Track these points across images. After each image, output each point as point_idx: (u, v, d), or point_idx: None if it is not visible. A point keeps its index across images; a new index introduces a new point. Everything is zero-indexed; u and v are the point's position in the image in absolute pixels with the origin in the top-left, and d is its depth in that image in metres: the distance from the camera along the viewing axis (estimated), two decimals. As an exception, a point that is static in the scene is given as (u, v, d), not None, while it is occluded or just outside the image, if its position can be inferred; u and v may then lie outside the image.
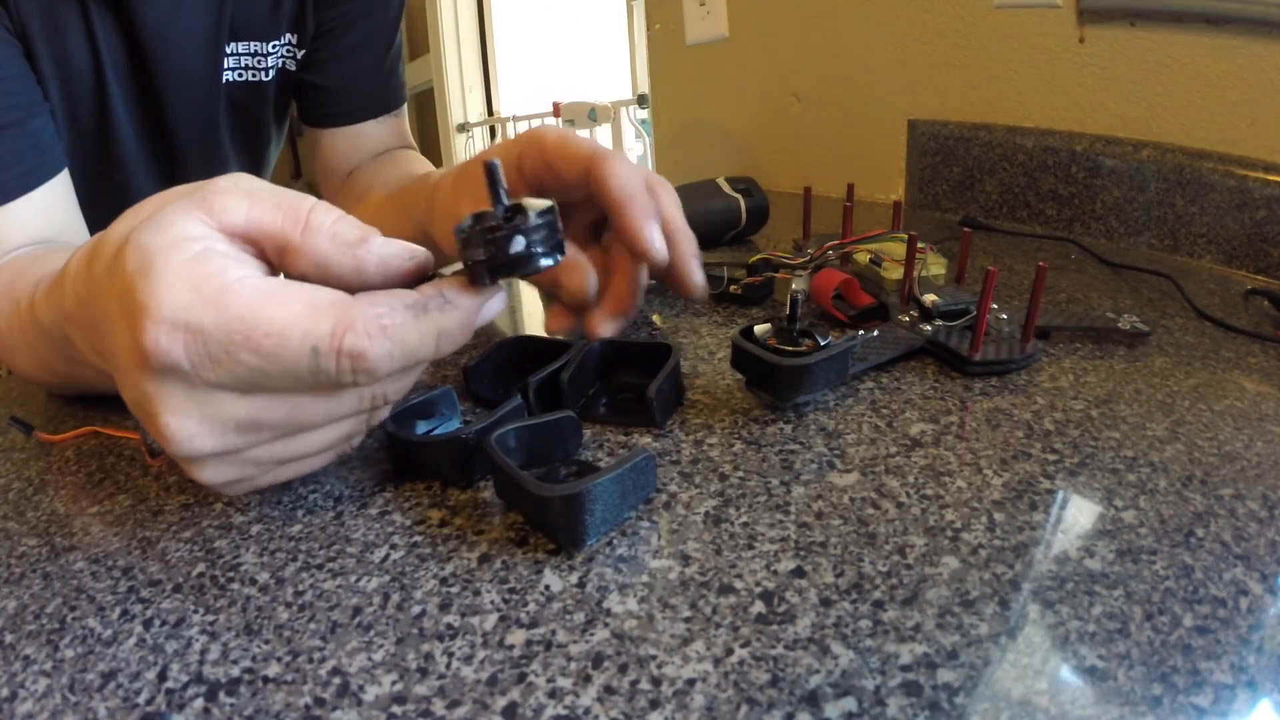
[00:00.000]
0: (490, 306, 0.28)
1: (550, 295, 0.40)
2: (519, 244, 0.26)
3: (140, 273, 0.24)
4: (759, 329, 0.39)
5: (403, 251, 0.28)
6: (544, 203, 0.27)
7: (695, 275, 0.38)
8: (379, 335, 0.25)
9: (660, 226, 0.37)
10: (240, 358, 0.24)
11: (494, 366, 0.41)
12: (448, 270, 0.28)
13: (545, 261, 0.27)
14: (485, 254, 0.26)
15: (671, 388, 0.38)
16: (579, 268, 0.37)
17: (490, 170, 0.26)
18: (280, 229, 0.26)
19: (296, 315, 0.24)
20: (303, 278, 0.27)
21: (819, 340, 0.38)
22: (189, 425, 0.25)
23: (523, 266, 0.27)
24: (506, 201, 0.26)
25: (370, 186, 0.65)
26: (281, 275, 0.27)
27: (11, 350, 0.42)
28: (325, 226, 0.27)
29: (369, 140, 0.70)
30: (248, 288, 0.24)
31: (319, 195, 0.31)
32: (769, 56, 0.98)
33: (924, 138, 0.82)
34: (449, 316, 0.27)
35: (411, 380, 0.29)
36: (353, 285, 0.27)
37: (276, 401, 0.26)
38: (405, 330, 0.26)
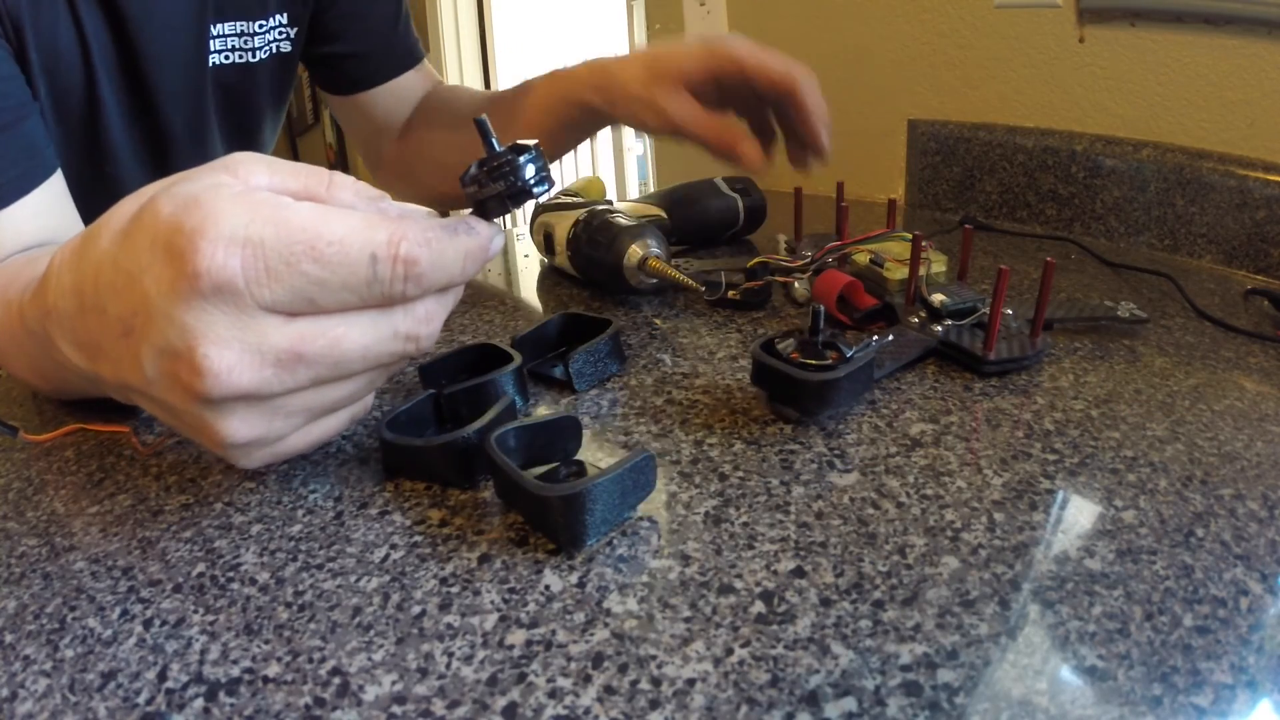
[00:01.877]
0: (496, 240, 0.31)
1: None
2: (530, 170, 0.31)
3: (185, 210, 0.25)
4: (780, 343, 0.38)
5: (417, 208, 0.30)
6: (532, 141, 0.31)
7: (827, 146, 0.54)
8: (425, 246, 0.27)
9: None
10: (303, 268, 0.25)
11: (451, 368, 0.41)
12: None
13: (546, 186, 0.32)
14: (504, 185, 0.31)
15: (597, 359, 0.42)
16: (754, 143, 0.53)
17: (481, 125, 0.31)
18: (305, 186, 0.28)
19: (355, 227, 0.26)
20: None
21: (844, 351, 0.37)
22: (229, 355, 0.25)
23: (534, 190, 0.31)
24: (499, 147, 0.31)
25: (440, 113, 0.71)
26: None
27: (6, 355, 0.42)
28: (348, 184, 0.29)
29: (411, 91, 0.73)
30: (304, 207, 0.26)
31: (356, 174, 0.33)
32: (769, 56, 0.97)
33: (924, 137, 0.82)
34: (474, 239, 0.29)
35: (439, 322, 0.30)
36: None
37: (321, 327, 0.26)
38: (445, 245, 0.28)
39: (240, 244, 0.24)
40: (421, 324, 0.29)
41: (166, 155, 0.64)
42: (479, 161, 0.31)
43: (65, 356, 0.30)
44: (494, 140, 0.31)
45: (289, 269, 0.25)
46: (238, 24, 0.61)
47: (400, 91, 0.73)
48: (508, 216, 0.33)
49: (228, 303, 0.25)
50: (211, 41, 0.61)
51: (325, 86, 0.73)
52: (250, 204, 0.25)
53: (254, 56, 0.64)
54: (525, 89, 0.63)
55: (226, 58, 0.62)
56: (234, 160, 0.27)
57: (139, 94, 0.59)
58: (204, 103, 0.63)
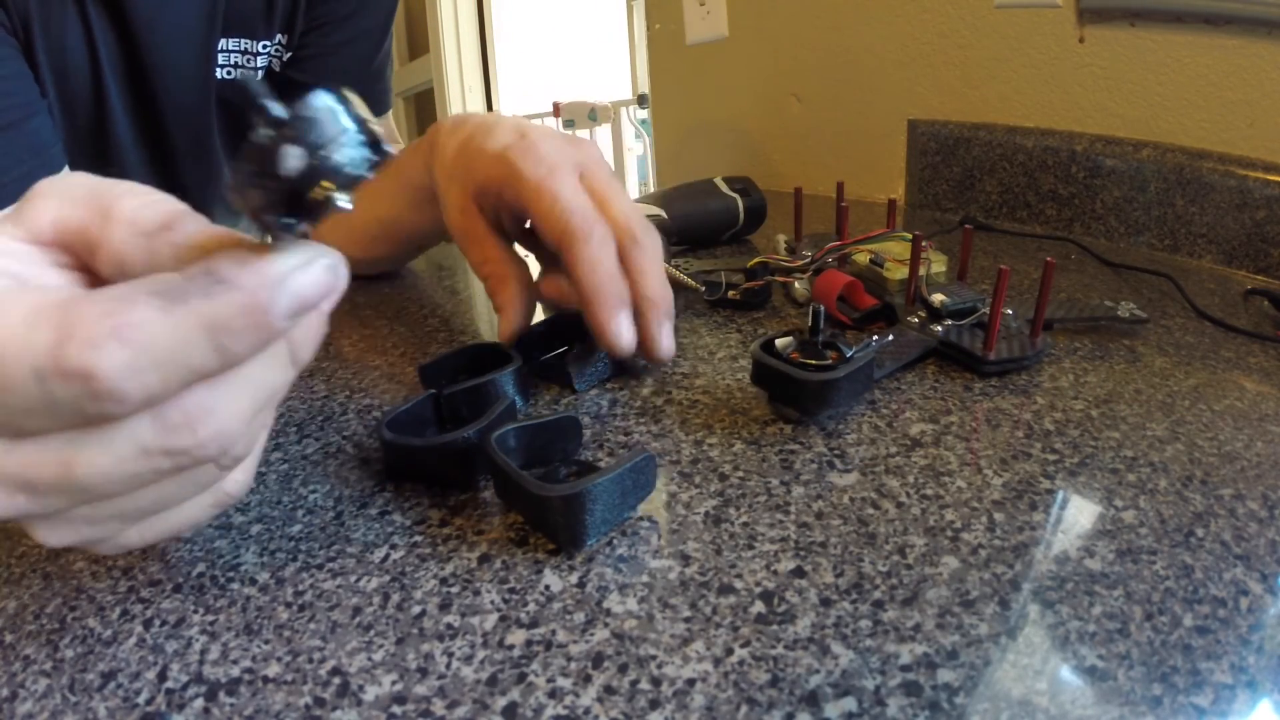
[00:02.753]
0: (303, 277, 0.20)
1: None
2: (293, 157, 0.18)
3: None
4: (780, 342, 0.38)
5: (219, 234, 0.22)
6: (327, 97, 0.18)
7: (659, 344, 0.39)
8: (109, 341, 0.18)
9: (628, 310, 0.38)
10: None
11: (451, 368, 0.41)
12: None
13: (351, 172, 0.19)
14: (262, 190, 0.18)
15: (597, 358, 0.42)
16: (516, 298, 0.42)
17: (238, 86, 0.21)
18: (83, 224, 0.22)
19: (12, 330, 0.18)
20: (107, 280, 0.22)
21: (844, 351, 0.37)
22: None
23: (315, 186, 0.18)
24: (277, 113, 0.18)
25: None
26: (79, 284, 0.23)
27: None
28: (125, 214, 0.22)
29: None
30: None
31: None
32: (769, 56, 0.98)
33: (924, 138, 0.82)
34: (221, 301, 0.19)
35: (227, 415, 0.21)
36: None
37: (44, 455, 0.20)
38: (151, 329, 0.18)
39: None
40: (181, 431, 0.20)
41: (171, 163, 0.64)
42: (244, 144, 0.18)
43: None
44: (267, 103, 0.18)
45: None
46: (242, 41, 0.62)
47: None
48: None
49: None
50: (217, 55, 0.61)
51: None
52: None
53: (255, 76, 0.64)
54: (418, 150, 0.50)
55: (229, 73, 0.63)
56: (31, 195, 0.23)
57: (145, 101, 0.60)
58: (207, 116, 0.63)
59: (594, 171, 0.41)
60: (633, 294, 0.39)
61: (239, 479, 0.25)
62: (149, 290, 0.19)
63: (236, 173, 0.19)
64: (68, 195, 0.23)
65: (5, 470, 0.20)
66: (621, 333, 0.37)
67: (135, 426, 0.20)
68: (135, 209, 0.22)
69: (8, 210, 0.23)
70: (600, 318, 0.37)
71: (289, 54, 0.65)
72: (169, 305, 0.19)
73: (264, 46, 0.63)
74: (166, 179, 0.65)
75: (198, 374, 0.20)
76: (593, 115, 2.03)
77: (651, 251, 0.40)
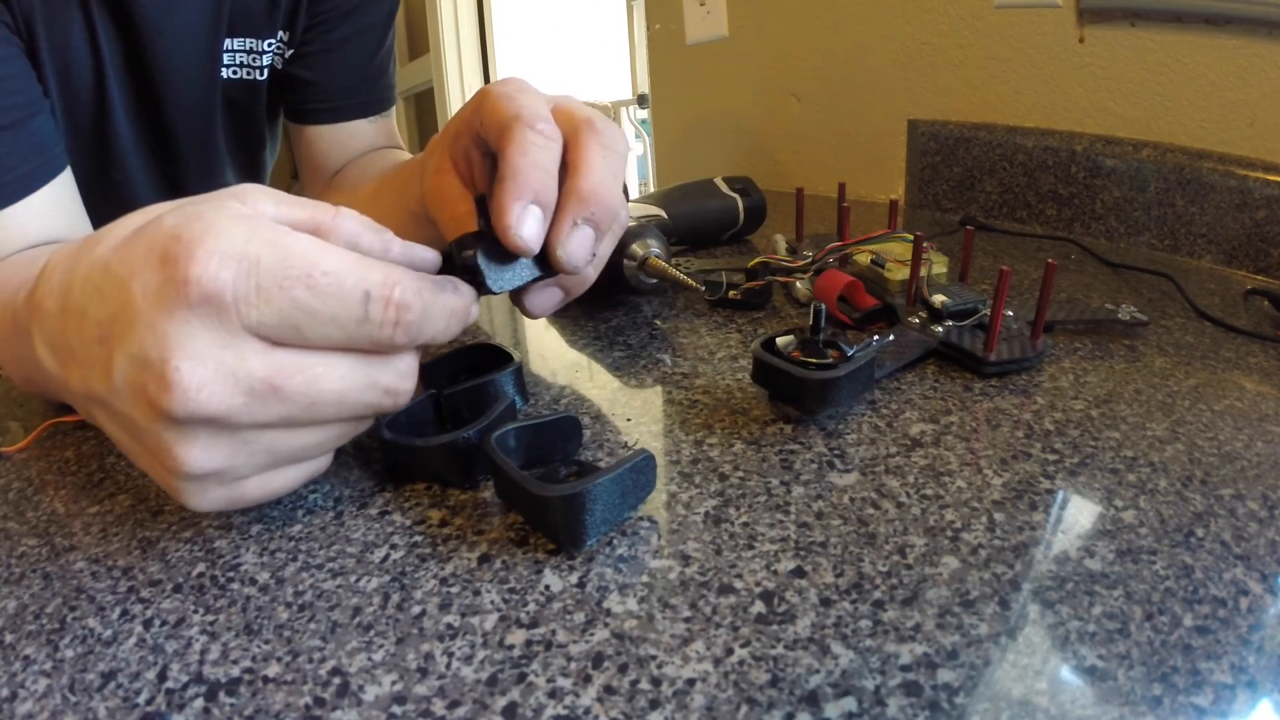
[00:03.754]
0: (474, 309, 0.31)
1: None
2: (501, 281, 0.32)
3: (187, 222, 0.24)
4: (781, 340, 0.38)
5: (422, 249, 0.31)
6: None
7: (563, 244, 0.33)
8: (418, 295, 0.27)
9: (542, 206, 0.32)
10: (294, 293, 0.24)
11: (451, 368, 0.41)
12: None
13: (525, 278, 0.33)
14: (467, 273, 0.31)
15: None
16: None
17: (479, 202, 0.32)
18: (311, 218, 0.28)
19: (352, 262, 0.26)
20: None
21: (845, 350, 0.37)
22: (202, 373, 0.24)
23: (492, 290, 0.32)
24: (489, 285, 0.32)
25: (360, 181, 0.64)
26: None
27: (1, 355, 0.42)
28: (353, 218, 0.29)
29: (357, 140, 0.70)
30: (305, 237, 0.25)
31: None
32: (769, 56, 0.98)
33: (924, 138, 0.82)
34: (460, 299, 0.29)
35: (412, 381, 0.30)
36: None
37: (301, 362, 0.26)
38: (434, 299, 0.28)
39: (236, 259, 0.24)
40: (400, 379, 0.29)
41: (174, 165, 0.64)
42: (476, 233, 0.32)
43: (39, 358, 0.28)
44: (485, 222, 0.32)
45: (280, 292, 0.24)
46: (248, 40, 0.62)
47: (344, 137, 0.69)
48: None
49: (212, 316, 0.24)
50: (223, 55, 0.61)
51: (282, 107, 0.71)
52: (252, 225, 0.25)
53: (260, 75, 0.64)
54: (417, 161, 0.49)
55: (234, 73, 0.63)
56: (243, 189, 0.27)
57: (149, 102, 0.60)
58: (212, 116, 0.63)
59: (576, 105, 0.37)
60: (565, 186, 0.33)
61: (328, 460, 0.31)
62: (431, 279, 0.28)
63: (472, 242, 0.32)
64: (280, 197, 0.28)
65: (252, 369, 0.25)
66: (517, 222, 0.31)
67: (378, 367, 0.28)
68: (359, 217, 0.29)
69: (210, 194, 0.27)
70: (502, 201, 0.31)
71: (291, 51, 0.65)
72: (440, 290, 0.28)
73: (269, 45, 0.63)
74: (168, 180, 0.65)
75: (432, 338, 0.29)
76: (593, 115, 2.03)
77: (608, 143, 0.34)
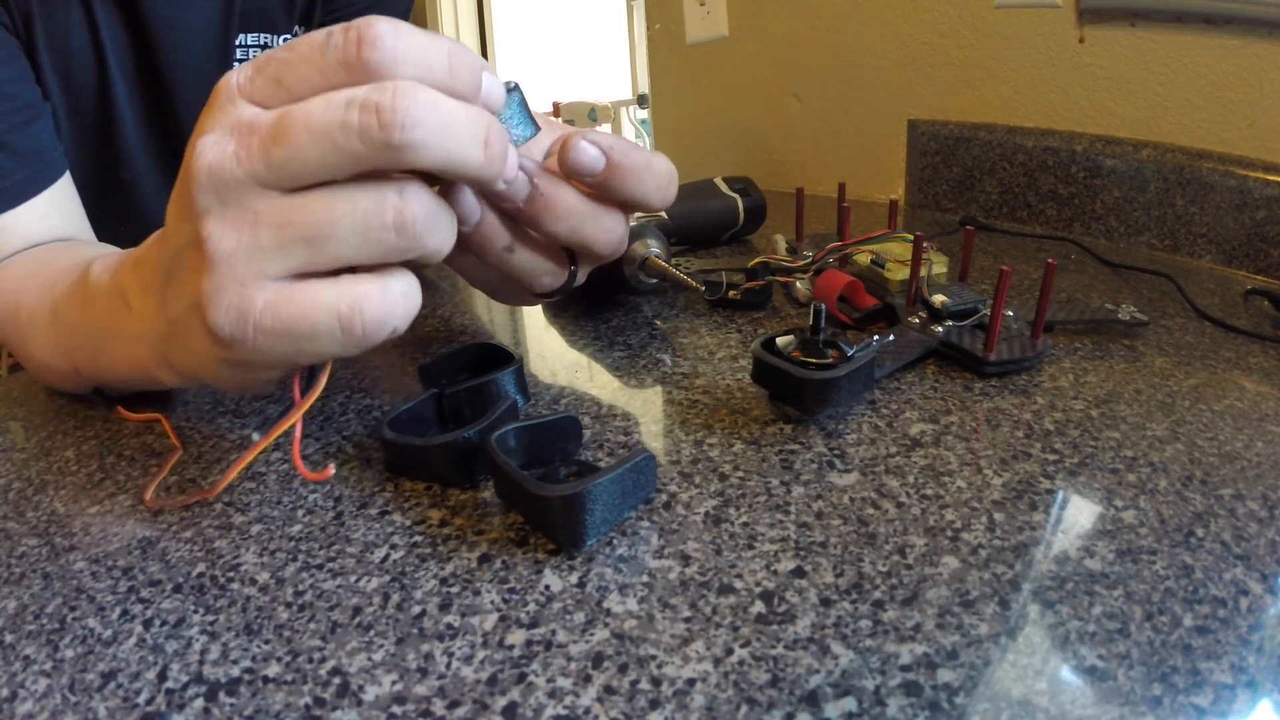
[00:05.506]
0: (496, 82, 0.29)
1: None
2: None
3: None
4: (781, 340, 0.38)
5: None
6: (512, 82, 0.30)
7: (573, 152, 0.32)
8: (388, 22, 0.26)
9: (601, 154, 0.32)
10: (276, 55, 0.27)
11: (451, 368, 0.41)
12: None
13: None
14: None
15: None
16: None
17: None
18: None
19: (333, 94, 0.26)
20: None
21: (845, 350, 0.37)
22: (209, 138, 0.26)
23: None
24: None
25: None
26: None
27: (33, 335, 0.41)
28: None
29: None
30: None
31: None
32: (769, 56, 0.98)
33: (924, 138, 0.82)
34: (459, 45, 0.28)
35: (410, 99, 0.25)
36: None
37: (307, 199, 0.26)
38: (420, 38, 0.26)
39: (249, 64, 0.27)
40: (376, 92, 0.25)
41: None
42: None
43: (130, 308, 0.33)
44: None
45: (267, 60, 0.27)
46: (262, 36, 0.61)
47: None
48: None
49: (224, 100, 0.27)
50: (235, 51, 0.61)
51: None
52: None
53: None
54: None
55: None
56: None
57: (157, 101, 0.59)
58: None
59: None
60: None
61: (371, 313, 0.28)
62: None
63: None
64: None
65: (240, 116, 0.26)
66: (583, 140, 0.32)
67: (357, 93, 0.25)
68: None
69: None
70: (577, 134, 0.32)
71: None
72: (432, 38, 0.27)
73: (284, 40, 0.63)
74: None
75: (426, 69, 0.26)
76: (593, 115, 2.03)
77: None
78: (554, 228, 0.33)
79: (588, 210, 0.33)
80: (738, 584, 0.27)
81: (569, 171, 0.32)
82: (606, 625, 0.26)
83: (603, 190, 0.33)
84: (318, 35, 0.26)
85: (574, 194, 0.33)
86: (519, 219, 0.33)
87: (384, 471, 0.35)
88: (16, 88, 0.48)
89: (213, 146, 0.26)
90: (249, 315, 0.27)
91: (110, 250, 0.41)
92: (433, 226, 0.27)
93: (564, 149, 0.32)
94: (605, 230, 0.34)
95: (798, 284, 0.52)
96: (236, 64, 0.61)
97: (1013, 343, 0.43)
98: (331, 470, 0.30)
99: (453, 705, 0.23)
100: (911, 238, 0.48)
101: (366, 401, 0.42)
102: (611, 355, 0.46)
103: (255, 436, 0.35)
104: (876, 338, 0.40)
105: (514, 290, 0.39)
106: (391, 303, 0.27)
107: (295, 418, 0.31)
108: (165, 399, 0.44)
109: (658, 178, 0.34)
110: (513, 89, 0.30)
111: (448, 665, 0.25)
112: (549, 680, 0.24)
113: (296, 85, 0.26)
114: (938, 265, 0.52)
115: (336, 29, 0.26)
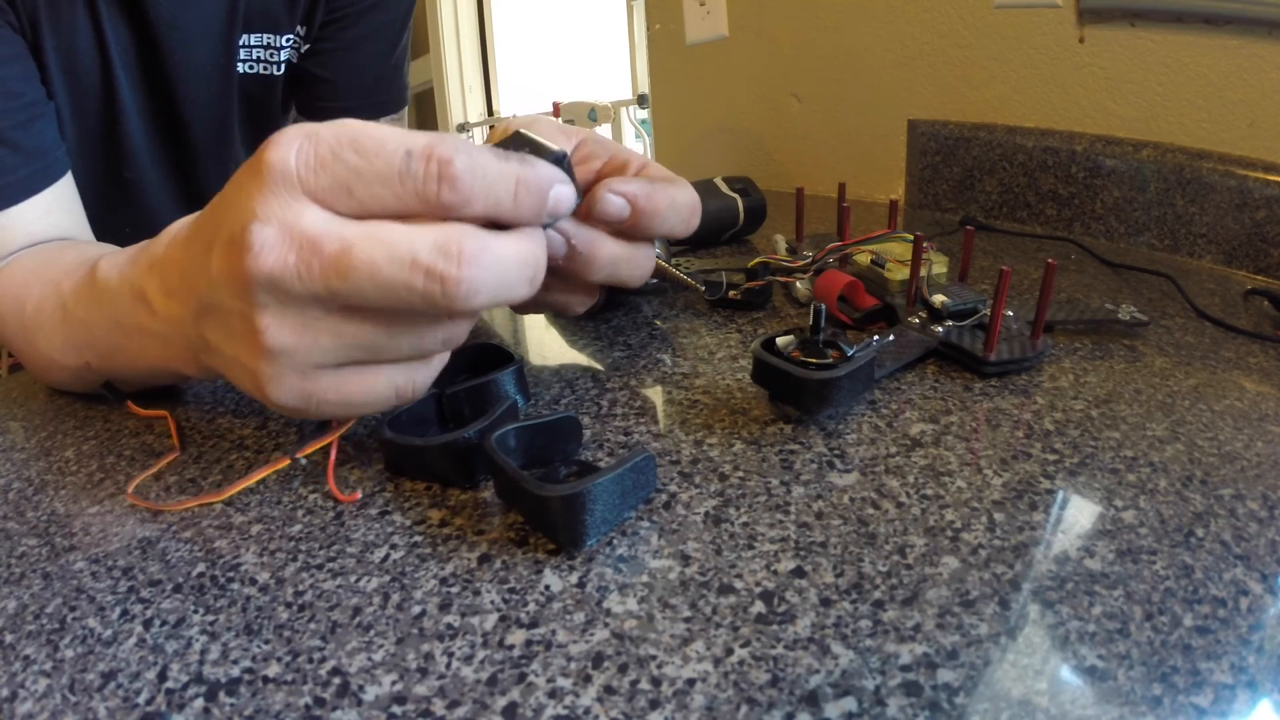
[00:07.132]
0: (561, 190, 0.29)
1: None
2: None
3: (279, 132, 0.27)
4: (781, 340, 0.38)
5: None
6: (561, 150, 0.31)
7: (604, 199, 0.35)
8: (464, 153, 0.27)
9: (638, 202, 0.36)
10: (344, 155, 0.26)
11: (451, 368, 0.41)
12: None
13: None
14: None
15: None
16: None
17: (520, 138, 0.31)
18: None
19: (397, 133, 0.27)
20: None
21: (845, 350, 0.37)
22: (268, 232, 0.26)
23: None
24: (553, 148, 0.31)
25: None
26: None
27: (39, 331, 0.41)
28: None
29: None
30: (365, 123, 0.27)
31: None
32: (769, 56, 0.98)
33: (924, 138, 0.82)
34: (528, 168, 0.28)
35: (469, 256, 0.27)
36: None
37: (343, 229, 0.26)
38: (488, 161, 0.27)
39: (303, 136, 0.26)
40: (442, 257, 0.26)
41: (189, 163, 0.64)
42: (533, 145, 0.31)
43: (152, 309, 0.33)
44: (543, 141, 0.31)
45: (334, 158, 0.26)
46: (264, 36, 0.62)
47: None
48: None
49: (279, 185, 0.26)
50: (239, 51, 0.61)
51: (294, 101, 0.71)
52: (326, 124, 0.27)
53: (277, 70, 0.64)
54: None
55: (251, 68, 0.63)
56: None
57: (162, 100, 0.59)
58: (228, 112, 0.63)
59: None
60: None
61: (418, 381, 0.31)
62: (490, 149, 0.28)
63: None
64: None
65: (303, 225, 0.26)
66: (619, 186, 0.35)
67: (419, 237, 0.26)
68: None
69: None
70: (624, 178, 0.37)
71: (307, 45, 0.65)
72: (501, 158, 0.28)
73: (286, 40, 0.63)
74: (183, 178, 0.65)
75: (495, 204, 0.27)
76: (593, 115, 2.03)
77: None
78: (594, 277, 0.36)
79: (624, 254, 0.36)
80: (738, 584, 0.27)
81: (598, 221, 0.35)
82: (606, 625, 0.26)
83: (631, 232, 0.36)
84: (394, 149, 0.26)
85: (610, 243, 0.36)
86: (558, 271, 0.35)
87: (384, 471, 0.35)
88: (21, 86, 0.48)
89: (273, 250, 0.26)
90: (311, 395, 0.29)
91: (112, 249, 0.41)
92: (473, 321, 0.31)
93: (592, 201, 0.35)
94: (638, 266, 0.38)
95: (798, 284, 0.52)
96: (239, 64, 0.61)
97: (1013, 343, 0.43)
98: (359, 495, 0.33)
99: (453, 705, 0.23)
100: (911, 238, 0.48)
101: (366, 401, 0.42)
102: (611, 355, 0.46)
103: (302, 461, 0.36)
104: (876, 338, 0.40)
105: (536, 309, 0.41)
106: (435, 370, 0.32)
107: (332, 438, 0.34)
108: (174, 395, 0.44)
109: (680, 212, 0.37)
110: (560, 159, 0.30)
111: (448, 665, 0.25)
112: (549, 680, 0.24)
113: (368, 201, 0.27)
114: (938, 265, 0.52)
115: (417, 149, 0.26)
